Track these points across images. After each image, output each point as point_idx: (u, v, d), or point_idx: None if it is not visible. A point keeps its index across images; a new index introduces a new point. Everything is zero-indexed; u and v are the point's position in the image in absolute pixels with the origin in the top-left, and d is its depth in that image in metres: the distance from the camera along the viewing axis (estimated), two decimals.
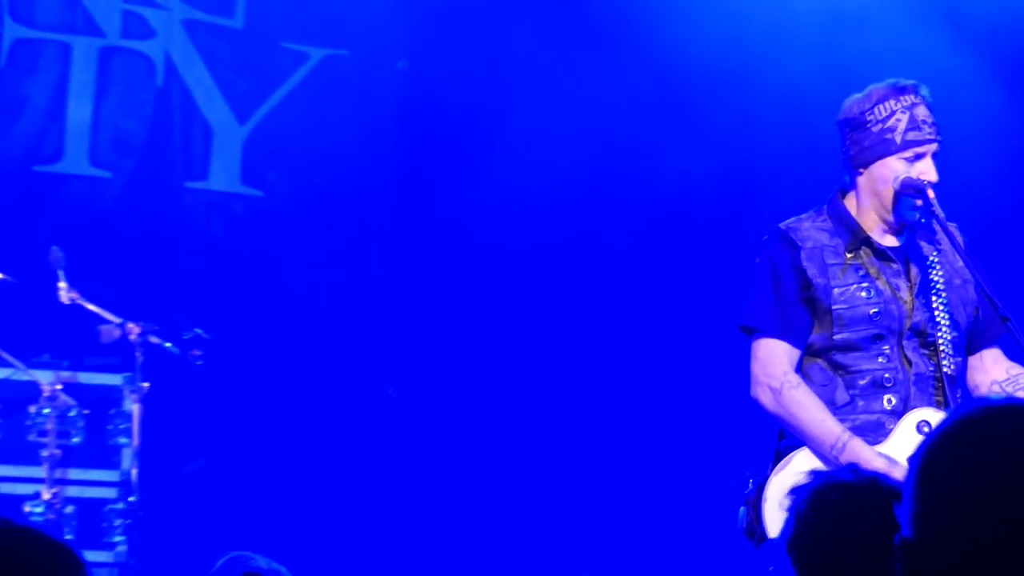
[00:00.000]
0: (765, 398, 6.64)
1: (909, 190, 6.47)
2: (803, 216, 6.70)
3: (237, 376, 9.44)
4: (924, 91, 6.55)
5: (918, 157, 6.51)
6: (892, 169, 6.58)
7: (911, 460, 2.57)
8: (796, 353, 6.65)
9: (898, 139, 6.56)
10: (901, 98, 6.53)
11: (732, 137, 9.87)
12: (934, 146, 6.46)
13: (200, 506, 9.20)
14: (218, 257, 9.88)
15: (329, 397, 9.69)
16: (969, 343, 6.62)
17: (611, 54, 10.13)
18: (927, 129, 6.51)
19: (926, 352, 6.55)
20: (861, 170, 6.58)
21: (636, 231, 10.01)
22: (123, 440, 8.50)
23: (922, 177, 6.39)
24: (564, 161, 10.00)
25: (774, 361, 6.73)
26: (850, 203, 6.71)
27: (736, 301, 6.90)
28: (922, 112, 6.57)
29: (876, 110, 6.73)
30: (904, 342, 6.59)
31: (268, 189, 10.09)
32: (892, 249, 6.54)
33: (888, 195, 6.62)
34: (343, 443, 9.55)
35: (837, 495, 3.72)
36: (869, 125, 6.72)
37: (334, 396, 9.70)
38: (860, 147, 6.70)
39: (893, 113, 6.70)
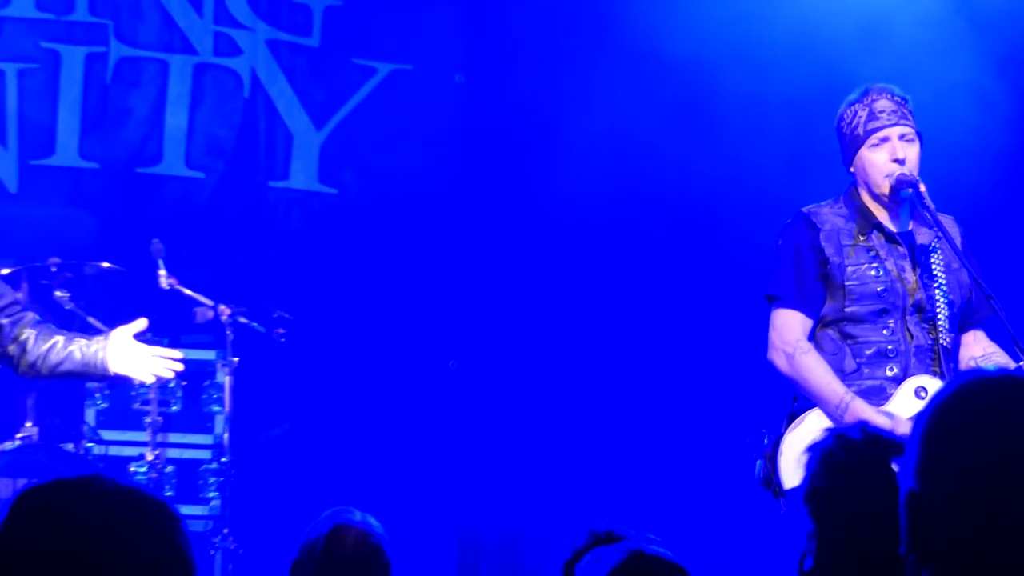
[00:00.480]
0: (780, 362, 7.12)
1: (904, 185, 6.94)
2: (823, 203, 7.21)
3: (315, 351, 9.86)
4: (893, 89, 7.10)
5: (883, 141, 7.03)
6: (865, 159, 7.13)
7: (917, 419, 2.83)
8: (809, 323, 7.17)
9: (861, 131, 7.10)
10: (864, 100, 7.07)
11: (749, 145, 10.09)
12: (897, 129, 6.97)
13: (283, 466, 9.64)
14: (298, 247, 10.31)
15: (395, 369, 10.12)
16: (962, 321, 7.15)
17: (646, 68, 10.36)
18: (886, 116, 7.06)
19: (925, 327, 7.03)
20: (851, 168, 7.16)
21: (669, 224, 10.29)
22: (216, 408, 9.00)
23: (894, 156, 6.96)
24: (601, 165, 10.29)
25: (790, 329, 7.18)
26: (862, 194, 7.18)
27: (760, 277, 7.43)
28: (882, 104, 7.09)
29: (846, 115, 7.25)
30: (907, 317, 7.09)
31: (342, 187, 10.42)
32: (900, 234, 7.00)
33: (876, 184, 7.13)
34: (408, 408, 9.96)
35: (847, 450, 4.03)
36: (844, 129, 7.25)
37: (400, 368, 10.13)
38: (843, 148, 7.26)
39: (856, 113, 7.20)
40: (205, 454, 9.16)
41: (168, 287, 8.66)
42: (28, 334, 6.69)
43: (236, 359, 8.98)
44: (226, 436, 9.03)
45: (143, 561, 2.70)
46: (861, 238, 7.20)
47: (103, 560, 2.67)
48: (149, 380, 7.19)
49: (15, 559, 2.69)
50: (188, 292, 8.75)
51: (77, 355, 6.71)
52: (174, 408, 9.24)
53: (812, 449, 4.21)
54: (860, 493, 3.98)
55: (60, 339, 6.75)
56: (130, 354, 6.79)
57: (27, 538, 2.67)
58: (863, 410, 6.97)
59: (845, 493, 4.01)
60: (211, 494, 9.24)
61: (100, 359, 6.69)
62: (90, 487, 2.66)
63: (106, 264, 8.94)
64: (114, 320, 7.67)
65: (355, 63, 10.60)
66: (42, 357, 6.70)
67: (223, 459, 8.98)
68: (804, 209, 7.16)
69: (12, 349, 6.70)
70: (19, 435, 8.67)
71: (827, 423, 7.00)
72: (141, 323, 6.77)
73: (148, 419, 8.93)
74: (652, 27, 10.14)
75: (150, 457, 8.86)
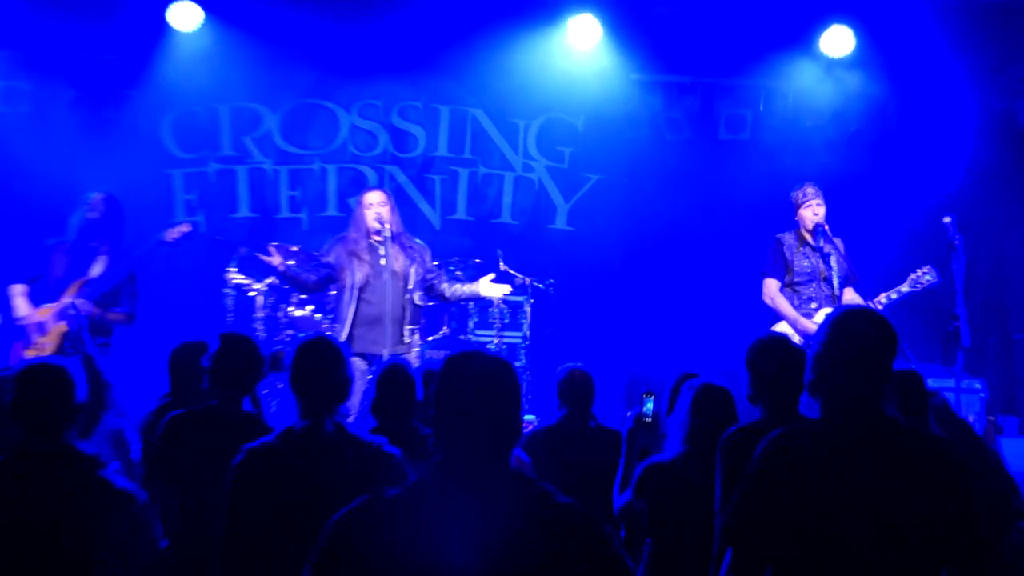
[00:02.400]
0: (768, 301, 9.52)
1: (818, 227, 9.53)
2: (786, 232, 9.64)
3: (568, 300, 12.23)
4: (814, 185, 9.53)
5: (808, 206, 9.53)
6: (802, 214, 9.66)
7: (819, 328, 4.10)
8: (779, 284, 9.53)
9: (800, 201, 9.60)
10: (804, 187, 9.61)
11: (758, 204, 11.96)
12: (815, 201, 9.43)
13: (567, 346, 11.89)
14: (561, 255, 12.93)
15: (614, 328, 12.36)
16: (844, 285, 9.45)
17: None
18: (812, 195, 9.49)
19: (828, 287, 9.49)
20: (796, 217, 9.54)
21: (718, 242, 12.46)
22: (523, 320, 11.67)
23: (815, 213, 9.52)
24: (694, 216, 12.55)
25: (771, 286, 9.52)
26: (800, 229, 9.57)
27: (757, 265, 9.78)
28: (810, 190, 9.57)
29: (796, 195, 9.66)
30: (820, 283, 9.52)
31: (579, 228, 13.03)
32: (816, 246, 9.47)
33: (806, 226, 9.65)
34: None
35: (782, 345, 5.45)
36: (794, 199, 9.67)
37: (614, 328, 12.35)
38: (794, 208, 9.69)
39: (803, 192, 9.62)
40: (518, 341, 11.71)
41: (503, 269, 11.53)
42: (443, 281, 9.48)
43: (532, 300, 11.68)
44: (527, 331, 11.77)
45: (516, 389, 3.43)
46: (800, 248, 9.69)
47: (511, 397, 3.39)
48: (497, 299, 10.50)
49: (448, 399, 3.40)
50: (512, 271, 11.54)
51: (467, 289, 9.57)
52: (505, 320, 11.81)
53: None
54: (790, 368, 5.23)
55: (457, 284, 9.47)
56: (490, 288, 9.54)
57: (455, 379, 3.41)
58: (804, 323, 9.43)
59: (777, 367, 5.32)
60: (521, 360, 11.59)
61: (476, 290, 9.59)
62: (482, 353, 3.48)
63: (477, 260, 11.73)
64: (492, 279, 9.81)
65: (582, 175, 13.25)
66: (452, 292, 9.56)
67: (526, 343, 11.64)
68: (778, 235, 9.84)
69: (439, 289, 9.51)
70: (439, 333, 11.50)
71: (788, 328, 9.51)
72: (490, 276, 9.58)
73: (495, 323, 11.55)
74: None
75: (495, 343, 11.44)
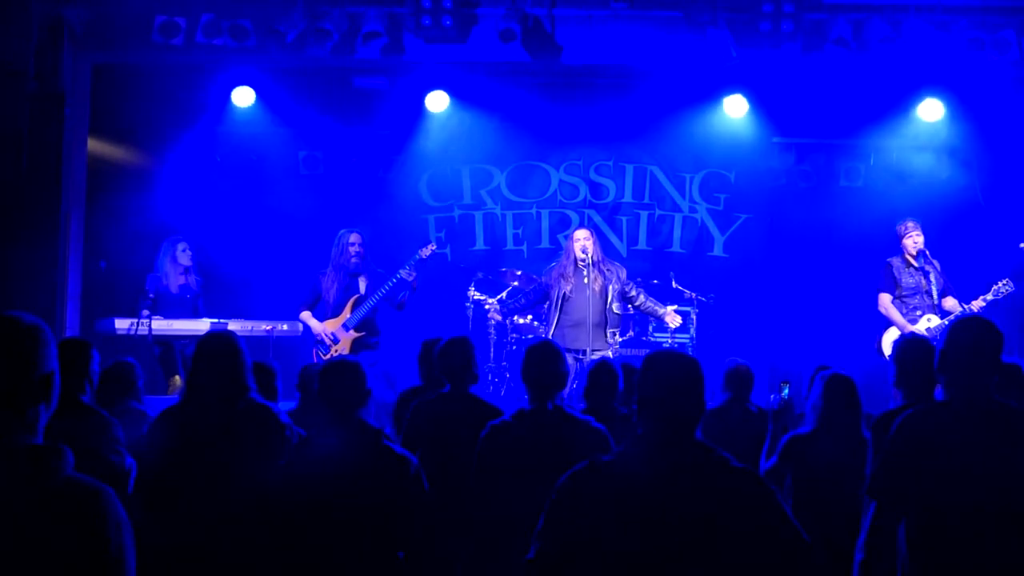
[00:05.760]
0: (882, 310, 9.49)
1: (920, 252, 9.54)
2: (894, 256, 9.65)
3: (724, 312, 11.86)
4: (916, 224, 9.59)
5: (911, 236, 9.63)
6: (903, 242, 9.69)
7: (943, 330, 4.12)
8: (891, 297, 9.54)
9: (903, 232, 9.70)
10: (907, 221, 9.63)
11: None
12: (916, 230, 9.58)
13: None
14: (719, 275, 12.55)
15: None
16: (943, 295, 9.59)
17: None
18: (912, 226, 9.59)
19: (930, 298, 9.47)
20: (901, 244, 9.64)
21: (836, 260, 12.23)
22: (691, 324, 11.04)
23: (915, 243, 9.56)
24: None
25: (885, 299, 9.51)
26: (904, 254, 9.66)
27: (876, 283, 9.87)
28: (912, 224, 9.62)
29: (899, 228, 9.74)
30: (924, 295, 9.53)
31: (732, 255, 12.76)
32: (919, 267, 9.52)
33: (909, 249, 9.63)
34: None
35: (920, 343, 5.18)
36: (898, 231, 9.82)
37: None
38: (898, 236, 9.80)
39: (904, 225, 9.71)
40: (687, 341, 11.12)
41: (675, 287, 11.31)
42: (640, 294, 9.50)
43: (697, 309, 11.27)
44: (694, 334, 11.14)
45: None
46: (906, 268, 9.79)
47: (697, 385, 3.37)
48: (672, 326, 9.80)
49: (649, 387, 3.36)
50: (681, 288, 11.26)
51: (658, 311, 9.58)
52: (691, 332, 11.22)
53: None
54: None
55: (650, 302, 9.51)
56: (672, 317, 9.52)
57: (654, 372, 3.37)
58: (911, 328, 9.33)
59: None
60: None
61: (661, 313, 9.59)
62: (674, 351, 3.43)
63: (655, 281, 11.33)
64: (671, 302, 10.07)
65: (735, 214, 12.88)
66: (641, 305, 9.53)
67: (693, 343, 11.06)
68: (888, 259, 9.89)
69: (634, 300, 9.46)
70: (627, 335, 10.69)
71: (896, 333, 9.43)
72: (673, 307, 9.64)
73: (669, 327, 10.20)
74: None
75: (670, 342, 10.69)
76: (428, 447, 5.51)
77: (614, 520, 3.12)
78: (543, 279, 9.75)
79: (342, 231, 9.99)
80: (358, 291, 9.78)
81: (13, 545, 2.31)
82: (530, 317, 11.15)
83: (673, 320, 9.57)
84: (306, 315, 9.76)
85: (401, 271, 9.71)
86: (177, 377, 9.50)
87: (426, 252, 9.82)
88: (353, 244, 9.81)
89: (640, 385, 3.34)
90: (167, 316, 9.82)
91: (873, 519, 3.93)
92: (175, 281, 10.24)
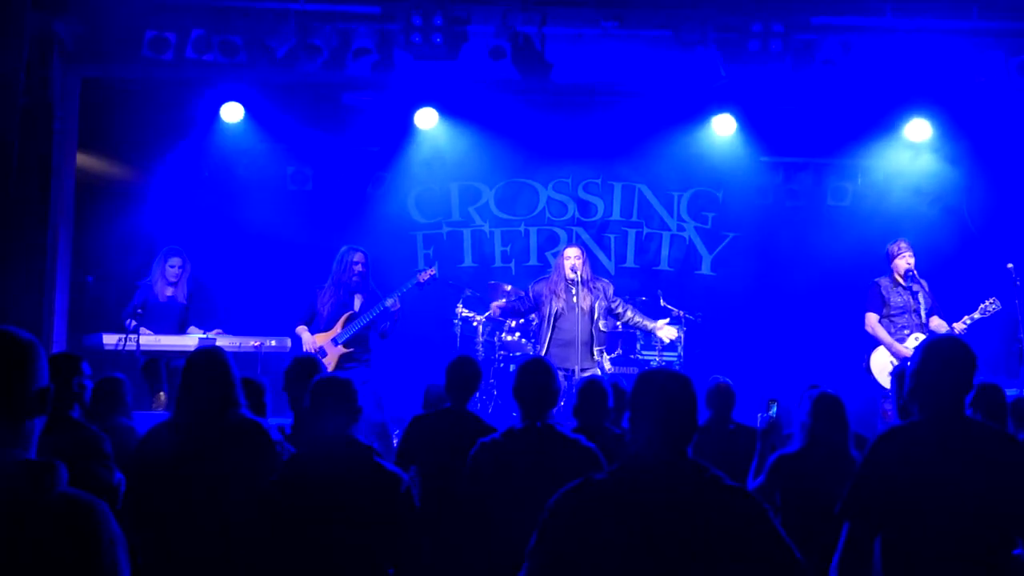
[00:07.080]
0: (869, 330, 9.38)
1: (908, 272, 9.44)
2: (882, 276, 9.48)
3: (711, 330, 11.90)
4: (908, 244, 9.46)
5: (903, 256, 9.53)
6: (895, 263, 9.58)
7: (915, 350, 4.04)
8: (878, 317, 9.42)
9: (895, 252, 9.46)
10: (899, 242, 9.49)
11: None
12: (907, 251, 9.36)
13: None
14: (706, 294, 12.63)
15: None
16: (930, 314, 9.44)
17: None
18: (905, 247, 9.41)
19: (918, 317, 9.42)
20: (891, 265, 9.43)
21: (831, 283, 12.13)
22: (678, 343, 10.91)
23: (906, 263, 9.41)
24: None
25: (872, 318, 9.38)
26: (894, 273, 9.51)
27: (862, 303, 9.63)
28: (903, 244, 9.33)
29: (891, 248, 9.56)
30: (912, 314, 9.39)
31: (720, 273, 12.81)
32: (907, 286, 9.43)
33: (898, 272, 9.50)
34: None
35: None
36: (889, 251, 9.61)
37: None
38: (890, 255, 9.57)
39: (896, 245, 9.56)
40: (674, 359, 11.05)
41: (663, 305, 11.22)
42: (627, 310, 9.34)
43: (684, 327, 11.17)
44: (681, 352, 11.11)
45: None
46: (894, 288, 9.67)
47: (689, 404, 3.37)
48: (667, 340, 9.90)
49: (641, 406, 3.34)
50: (669, 306, 11.24)
51: (647, 325, 9.38)
52: (679, 350, 11.07)
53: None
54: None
55: (638, 316, 9.31)
56: (665, 330, 9.33)
57: (647, 391, 3.35)
58: (898, 347, 9.31)
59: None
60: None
61: (652, 328, 9.40)
62: (666, 370, 3.42)
63: (643, 298, 11.45)
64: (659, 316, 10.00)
65: (722, 233, 12.82)
66: (629, 319, 9.37)
67: (680, 360, 11.02)
68: (875, 279, 9.82)
69: (620, 316, 9.35)
70: (614, 353, 10.81)
71: (886, 352, 9.41)
72: (666, 320, 9.46)
73: (656, 346, 10.99)
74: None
75: (657, 360, 10.92)
76: (421, 462, 5.55)
77: (608, 539, 3.09)
78: (534, 289, 9.71)
79: (345, 248, 9.99)
80: (352, 308, 9.77)
81: (8, 560, 2.29)
82: (518, 335, 11.08)
83: (667, 334, 9.51)
84: (301, 329, 9.78)
85: (387, 300, 9.68)
86: (162, 393, 9.44)
87: (424, 276, 9.84)
88: (357, 263, 9.84)
89: (634, 403, 3.30)
90: (153, 326, 9.76)
91: (846, 539, 3.89)
92: (163, 292, 10.20)
